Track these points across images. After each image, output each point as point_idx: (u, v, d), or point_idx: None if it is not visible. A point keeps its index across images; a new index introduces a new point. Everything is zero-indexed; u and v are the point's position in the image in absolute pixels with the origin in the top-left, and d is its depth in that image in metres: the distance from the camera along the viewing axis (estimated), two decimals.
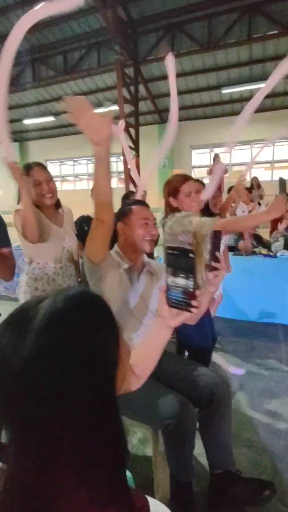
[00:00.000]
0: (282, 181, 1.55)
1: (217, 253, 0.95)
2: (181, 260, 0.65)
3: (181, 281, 0.66)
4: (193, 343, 1.71)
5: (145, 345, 0.78)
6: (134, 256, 1.38)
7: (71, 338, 0.40)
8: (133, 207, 1.39)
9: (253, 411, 1.99)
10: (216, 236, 0.97)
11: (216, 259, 0.95)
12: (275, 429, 1.82)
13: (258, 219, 1.60)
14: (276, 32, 6.68)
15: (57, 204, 1.76)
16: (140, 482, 1.24)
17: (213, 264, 0.96)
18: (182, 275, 0.66)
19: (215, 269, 0.96)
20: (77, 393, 0.38)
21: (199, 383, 1.28)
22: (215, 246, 0.96)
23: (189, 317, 0.71)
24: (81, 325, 0.41)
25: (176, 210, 1.74)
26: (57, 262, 1.69)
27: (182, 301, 0.68)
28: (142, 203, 1.45)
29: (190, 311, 0.68)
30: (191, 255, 0.64)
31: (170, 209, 1.76)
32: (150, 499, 0.48)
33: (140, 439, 1.72)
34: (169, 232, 1.69)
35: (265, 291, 3.13)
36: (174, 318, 0.72)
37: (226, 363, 2.43)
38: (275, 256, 3.37)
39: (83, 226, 2.17)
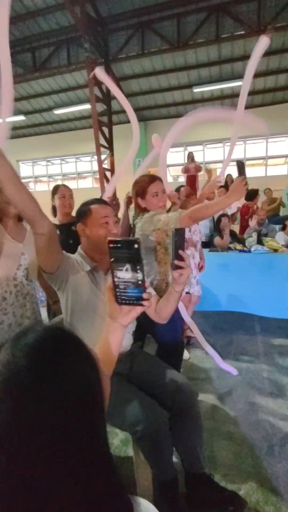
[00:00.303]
0: (240, 164, 1.57)
1: (180, 252, 0.94)
2: (126, 252, 0.62)
3: (129, 274, 0.63)
4: (163, 339, 1.72)
5: (100, 348, 0.74)
6: (98, 257, 1.33)
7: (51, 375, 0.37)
8: (92, 206, 1.34)
9: (233, 404, 2.03)
10: (178, 234, 0.94)
11: (180, 258, 0.94)
12: (254, 420, 1.87)
13: (220, 204, 1.57)
14: (243, 32, 6.85)
15: (20, 217, 1.63)
16: None
17: (177, 263, 0.95)
18: (130, 268, 0.63)
19: (180, 267, 0.96)
20: (66, 423, 0.36)
21: (164, 388, 1.26)
22: (178, 244, 0.94)
23: (140, 311, 0.69)
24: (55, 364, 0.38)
25: (145, 210, 1.74)
26: (9, 280, 1.58)
27: (132, 295, 0.65)
28: (101, 201, 1.40)
29: (142, 305, 0.66)
30: (135, 245, 0.61)
31: (140, 210, 1.77)
32: (140, 500, 0.47)
33: (121, 440, 1.71)
34: (140, 233, 1.70)
35: (241, 285, 3.21)
36: (126, 315, 0.69)
37: (220, 359, 2.42)
38: (249, 251, 3.46)
39: None
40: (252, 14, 6.67)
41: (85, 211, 1.34)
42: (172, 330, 1.67)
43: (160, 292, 1.62)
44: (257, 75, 8.37)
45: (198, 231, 2.84)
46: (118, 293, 0.66)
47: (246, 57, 7.85)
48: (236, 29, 6.88)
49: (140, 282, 0.63)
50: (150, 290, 1.41)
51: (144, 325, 1.55)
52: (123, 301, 0.67)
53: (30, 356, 0.37)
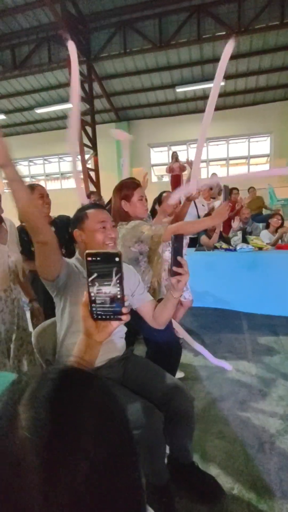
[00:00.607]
0: (226, 189, 1.68)
1: (179, 258, 0.94)
2: (105, 266, 0.59)
3: (107, 288, 0.60)
4: (160, 341, 1.70)
5: None
6: None
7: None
8: (88, 211, 1.31)
9: (223, 402, 2.04)
10: (178, 241, 0.94)
11: (179, 264, 0.94)
12: (244, 418, 1.88)
13: (204, 223, 1.75)
14: (224, 33, 6.93)
15: (0, 218, 1.57)
16: None
17: (175, 269, 0.95)
18: (109, 282, 0.60)
19: (178, 274, 0.96)
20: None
21: (160, 392, 1.25)
22: (177, 251, 0.94)
23: (117, 326, 0.66)
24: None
25: (126, 214, 1.73)
26: (2, 284, 1.52)
27: (110, 310, 0.62)
28: (97, 206, 1.38)
29: (119, 319, 0.63)
30: (116, 258, 0.59)
31: (122, 213, 1.74)
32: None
33: None
34: (121, 243, 1.68)
35: (228, 283, 3.25)
36: (102, 331, 0.66)
37: (212, 356, 2.44)
38: (235, 250, 3.50)
39: (23, 237, 1.89)
40: (233, 15, 6.76)
41: (81, 216, 1.32)
42: (168, 331, 1.66)
43: (154, 294, 1.61)
44: (238, 75, 8.51)
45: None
46: (94, 309, 0.63)
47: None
48: (217, 29, 6.96)
49: (119, 296, 0.61)
50: (146, 295, 1.40)
51: (137, 328, 1.53)
52: (100, 317, 0.63)
53: (56, 410, 0.33)
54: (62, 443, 0.31)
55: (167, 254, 2.18)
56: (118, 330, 1.33)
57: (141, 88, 9.23)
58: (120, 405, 0.38)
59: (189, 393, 1.32)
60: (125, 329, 1.44)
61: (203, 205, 4.86)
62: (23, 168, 12.52)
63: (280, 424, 1.82)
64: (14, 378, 0.39)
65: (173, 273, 0.96)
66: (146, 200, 1.81)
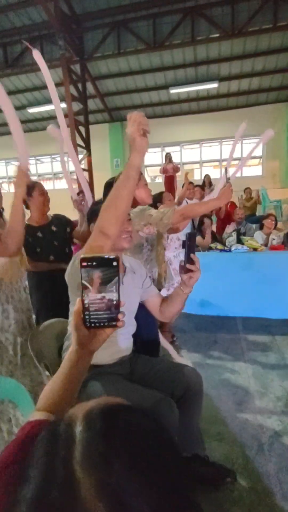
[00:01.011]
0: (226, 171, 1.76)
1: (192, 255, 0.95)
2: (101, 272, 0.56)
3: (103, 295, 0.57)
4: (138, 334, 1.70)
5: (60, 382, 0.63)
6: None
7: None
8: None
9: (221, 404, 2.03)
10: (191, 239, 0.96)
11: (191, 261, 0.96)
12: (242, 420, 1.88)
13: (211, 204, 1.75)
14: (217, 35, 6.97)
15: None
16: None
17: (188, 266, 0.96)
18: (105, 288, 0.56)
19: (190, 271, 0.97)
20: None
21: (174, 378, 1.32)
22: (190, 248, 0.96)
23: (111, 333, 0.62)
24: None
25: (133, 200, 1.73)
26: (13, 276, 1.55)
27: (105, 317, 0.58)
28: None
29: (115, 326, 0.59)
30: (114, 263, 0.55)
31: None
32: None
33: None
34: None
35: (223, 285, 3.23)
36: (94, 338, 0.61)
37: (176, 354, 2.45)
38: (229, 251, 3.50)
39: (27, 237, 1.89)
40: (226, 18, 6.81)
41: (97, 211, 1.31)
42: (145, 326, 1.65)
43: (159, 285, 1.63)
44: (232, 77, 8.57)
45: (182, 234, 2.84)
46: (87, 316, 0.58)
47: (221, 60, 8.02)
48: (211, 31, 6.99)
49: (115, 302, 0.57)
50: (153, 288, 1.41)
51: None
52: (93, 325, 0.59)
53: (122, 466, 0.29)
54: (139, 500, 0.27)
55: (168, 255, 2.18)
56: (126, 332, 1.34)
57: (135, 89, 9.22)
58: (167, 430, 0.36)
59: (197, 371, 1.40)
60: (133, 329, 1.44)
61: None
62: (14, 168, 12.39)
63: (278, 424, 1.82)
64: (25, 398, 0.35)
65: (185, 270, 0.98)
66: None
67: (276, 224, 4.35)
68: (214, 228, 5.40)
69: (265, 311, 3.07)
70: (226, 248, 3.62)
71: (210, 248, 3.63)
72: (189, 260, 0.97)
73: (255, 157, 10.48)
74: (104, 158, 9.94)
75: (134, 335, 1.71)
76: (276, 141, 9.69)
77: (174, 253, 2.63)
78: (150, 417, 0.35)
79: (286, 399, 2.05)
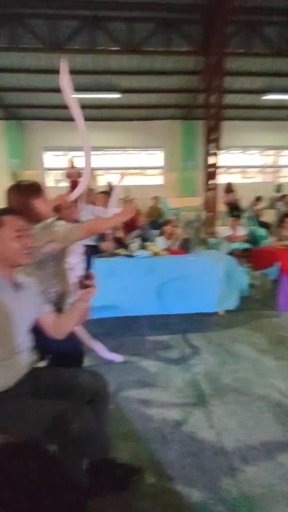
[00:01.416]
0: (115, 189, 2.05)
1: (90, 271, 1.00)
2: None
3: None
4: (61, 349, 1.65)
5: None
6: (6, 271, 1.23)
7: None
8: (4, 217, 1.21)
9: (126, 404, 2.10)
10: (89, 254, 1.00)
11: (89, 277, 0.99)
12: (147, 415, 1.98)
13: (115, 220, 1.82)
14: (117, 48, 7.22)
15: None
16: None
17: (85, 282, 1.00)
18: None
19: (87, 286, 1.01)
20: None
21: (81, 385, 1.32)
22: (89, 263, 1.00)
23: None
24: None
25: (38, 215, 1.65)
26: None
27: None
28: (13, 212, 1.27)
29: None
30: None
31: (34, 214, 1.65)
32: None
33: None
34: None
35: (128, 288, 3.36)
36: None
37: (104, 350, 2.48)
38: (133, 256, 3.66)
39: None
40: (124, 33, 7.12)
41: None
42: (72, 341, 1.63)
43: (61, 299, 1.59)
44: (133, 91, 9.00)
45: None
46: None
47: (122, 72, 8.32)
48: (110, 44, 7.20)
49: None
50: (46, 306, 1.38)
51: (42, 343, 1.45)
52: None
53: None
54: None
55: (72, 261, 2.15)
56: (24, 349, 1.27)
57: (34, 88, 8.81)
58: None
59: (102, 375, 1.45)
60: (31, 344, 1.36)
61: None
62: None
63: (178, 414, 1.98)
64: None
65: (84, 286, 1.02)
66: None
67: (175, 231, 4.75)
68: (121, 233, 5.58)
69: (167, 308, 3.33)
70: (129, 253, 3.77)
71: (115, 254, 3.72)
72: (86, 275, 1.02)
73: (156, 167, 11.27)
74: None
75: (53, 349, 1.64)
76: (172, 154, 10.65)
77: (77, 260, 2.60)
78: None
79: (186, 390, 2.25)
